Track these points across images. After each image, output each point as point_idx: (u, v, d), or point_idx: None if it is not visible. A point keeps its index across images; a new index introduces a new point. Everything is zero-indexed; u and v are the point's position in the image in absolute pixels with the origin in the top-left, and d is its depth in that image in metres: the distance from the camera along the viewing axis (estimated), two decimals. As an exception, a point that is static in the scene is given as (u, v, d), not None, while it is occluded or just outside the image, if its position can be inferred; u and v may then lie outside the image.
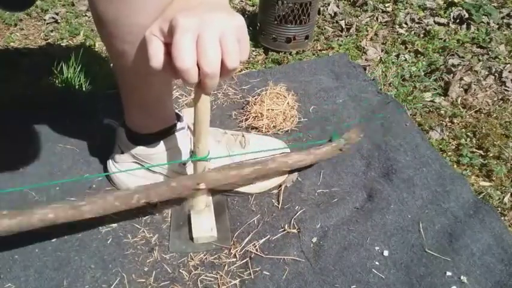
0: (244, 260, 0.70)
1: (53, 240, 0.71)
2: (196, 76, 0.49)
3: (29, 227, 0.59)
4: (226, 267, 0.69)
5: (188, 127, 0.77)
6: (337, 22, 1.40)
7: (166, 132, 0.74)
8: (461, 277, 0.67)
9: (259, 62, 1.23)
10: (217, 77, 0.49)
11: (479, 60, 1.22)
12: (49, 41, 1.31)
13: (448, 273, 0.67)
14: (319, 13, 1.43)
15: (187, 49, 0.46)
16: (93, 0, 0.57)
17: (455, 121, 1.01)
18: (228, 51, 0.48)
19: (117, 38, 0.59)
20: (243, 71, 1.17)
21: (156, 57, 0.50)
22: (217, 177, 0.68)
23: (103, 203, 0.62)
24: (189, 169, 0.76)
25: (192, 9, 0.49)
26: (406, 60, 1.23)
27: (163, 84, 0.70)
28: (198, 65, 0.48)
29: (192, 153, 0.66)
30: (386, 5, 1.50)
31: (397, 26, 1.39)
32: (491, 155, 0.91)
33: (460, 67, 1.16)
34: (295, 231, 0.74)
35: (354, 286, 0.66)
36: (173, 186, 0.64)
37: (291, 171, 0.83)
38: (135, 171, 0.77)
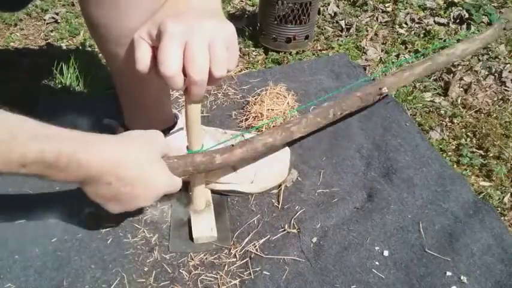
0: (244, 260, 0.70)
1: (53, 240, 0.71)
2: (181, 83, 0.48)
3: (255, 152, 0.68)
4: (226, 267, 0.69)
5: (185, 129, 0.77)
6: (337, 22, 1.40)
7: (165, 133, 0.74)
8: (461, 277, 0.67)
9: (259, 62, 1.23)
10: (205, 84, 0.48)
11: (479, 60, 1.22)
12: (49, 41, 1.31)
13: (448, 273, 0.67)
14: (319, 13, 1.43)
15: (173, 55, 0.46)
16: (84, 5, 0.57)
17: (455, 121, 1.01)
18: (216, 59, 0.47)
19: (109, 41, 0.59)
20: (243, 71, 1.17)
21: (143, 60, 0.49)
22: (394, 80, 0.75)
23: (306, 121, 0.69)
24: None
25: (182, 15, 0.48)
26: (406, 60, 1.23)
27: (160, 86, 0.70)
28: (185, 71, 0.47)
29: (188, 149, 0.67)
30: (386, 5, 1.50)
31: (397, 26, 1.39)
32: (491, 155, 0.91)
33: (460, 67, 1.16)
34: (295, 231, 0.74)
35: (354, 286, 0.66)
36: (359, 95, 0.73)
37: (290, 172, 0.83)
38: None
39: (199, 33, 0.46)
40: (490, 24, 1.33)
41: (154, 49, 0.49)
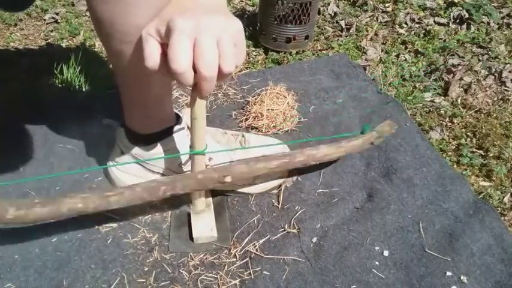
0: (244, 260, 0.70)
1: (53, 240, 0.71)
2: (191, 79, 0.48)
3: (58, 216, 0.59)
4: (226, 267, 0.69)
5: (187, 127, 0.77)
6: (337, 22, 1.40)
7: (166, 133, 0.74)
8: (461, 277, 0.67)
9: (259, 62, 1.23)
10: (214, 80, 0.49)
11: (479, 60, 1.22)
12: (49, 41, 1.31)
13: (448, 273, 0.67)
14: (319, 13, 1.43)
15: (183, 51, 0.46)
16: (90, 0, 0.57)
17: (455, 121, 1.01)
18: (225, 55, 0.48)
19: (114, 38, 0.59)
20: (243, 71, 1.17)
21: (152, 57, 0.49)
22: (244, 169, 0.67)
23: (130, 194, 0.61)
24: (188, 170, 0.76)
25: (190, 11, 0.49)
26: (406, 60, 1.23)
27: (163, 84, 0.70)
28: (194, 67, 0.48)
29: (191, 148, 0.67)
30: (386, 5, 1.50)
31: (397, 26, 1.39)
32: (491, 155, 0.91)
33: (460, 67, 1.16)
34: (295, 231, 0.74)
35: (354, 286, 0.66)
36: (199, 178, 0.64)
37: (291, 172, 0.83)
38: (135, 171, 0.77)
39: (208, 30, 0.47)
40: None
41: (163, 46, 0.49)
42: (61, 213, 0.58)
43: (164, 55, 0.48)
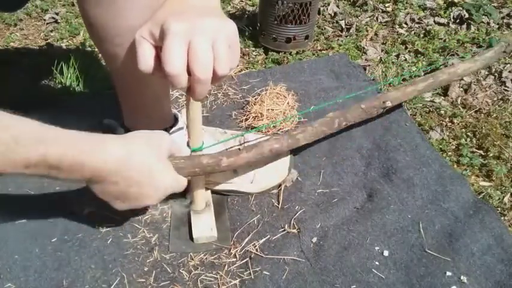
0: (244, 260, 0.70)
1: (53, 240, 0.71)
2: (185, 81, 0.48)
3: (261, 157, 0.68)
4: (226, 267, 0.69)
5: (186, 127, 0.77)
6: (337, 22, 1.40)
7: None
8: (461, 277, 0.67)
9: (259, 62, 1.23)
10: (209, 82, 0.48)
11: (479, 60, 1.22)
12: (49, 41, 1.31)
13: (448, 273, 0.67)
14: (319, 13, 1.43)
15: (177, 54, 0.46)
16: (83, 5, 0.57)
17: (455, 121, 1.01)
18: (220, 57, 0.47)
19: (108, 41, 0.59)
20: (243, 71, 1.17)
21: (145, 60, 0.49)
22: (397, 94, 0.79)
23: (312, 130, 0.71)
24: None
25: (184, 13, 0.48)
26: (406, 60, 1.23)
27: (159, 85, 0.70)
28: (188, 70, 0.47)
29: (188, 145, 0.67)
30: (386, 5, 1.50)
31: (397, 26, 1.39)
32: (491, 155, 0.91)
33: (460, 67, 1.16)
34: (295, 231, 0.74)
35: (354, 286, 0.66)
36: (363, 107, 0.77)
37: (290, 172, 0.83)
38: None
39: (202, 32, 0.46)
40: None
41: (157, 49, 0.49)
42: (263, 154, 0.67)
43: (158, 58, 0.48)
